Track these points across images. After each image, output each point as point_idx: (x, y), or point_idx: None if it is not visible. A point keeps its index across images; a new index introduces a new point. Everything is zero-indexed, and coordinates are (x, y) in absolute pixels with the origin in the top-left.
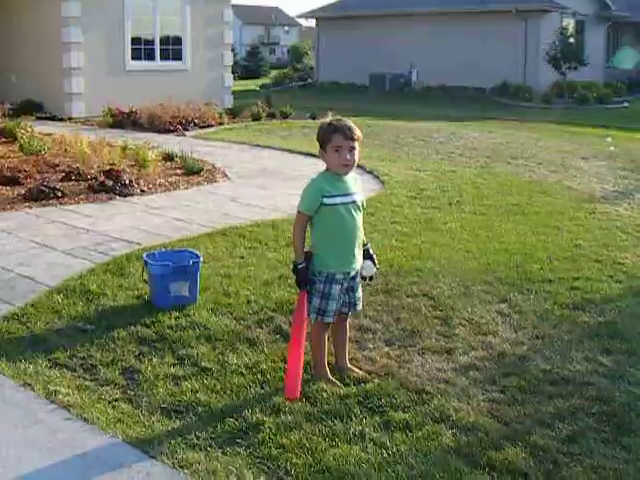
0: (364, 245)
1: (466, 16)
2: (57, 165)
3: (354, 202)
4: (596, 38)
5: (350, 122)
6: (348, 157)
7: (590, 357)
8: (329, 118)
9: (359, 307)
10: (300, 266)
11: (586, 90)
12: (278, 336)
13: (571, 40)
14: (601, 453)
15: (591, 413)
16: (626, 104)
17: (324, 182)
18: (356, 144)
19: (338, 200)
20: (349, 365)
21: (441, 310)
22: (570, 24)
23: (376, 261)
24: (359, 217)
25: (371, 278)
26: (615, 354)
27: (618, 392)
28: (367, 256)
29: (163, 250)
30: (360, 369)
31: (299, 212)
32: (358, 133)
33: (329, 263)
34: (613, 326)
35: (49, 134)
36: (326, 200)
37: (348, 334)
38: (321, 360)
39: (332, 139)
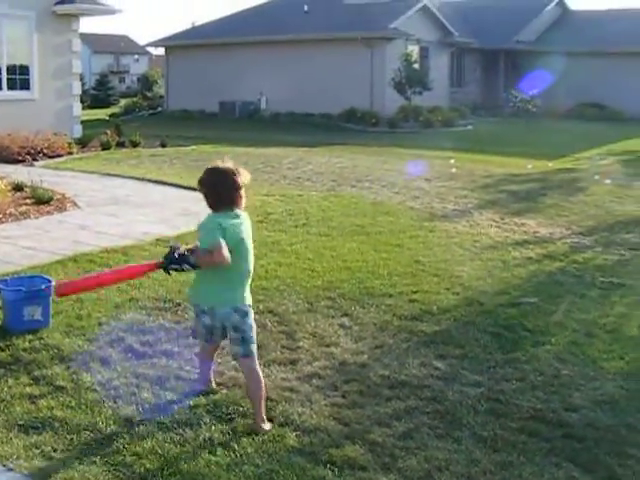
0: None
1: (313, 43)
2: None
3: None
4: (440, 63)
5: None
6: None
7: (426, 362)
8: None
9: None
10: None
11: (431, 114)
12: (130, 354)
13: (415, 66)
14: (434, 446)
15: (426, 412)
16: (470, 127)
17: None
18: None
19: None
20: None
21: (286, 325)
22: (414, 50)
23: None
24: None
25: None
26: (449, 359)
27: (451, 392)
28: None
29: (16, 276)
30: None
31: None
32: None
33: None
34: (448, 333)
35: None
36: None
37: None
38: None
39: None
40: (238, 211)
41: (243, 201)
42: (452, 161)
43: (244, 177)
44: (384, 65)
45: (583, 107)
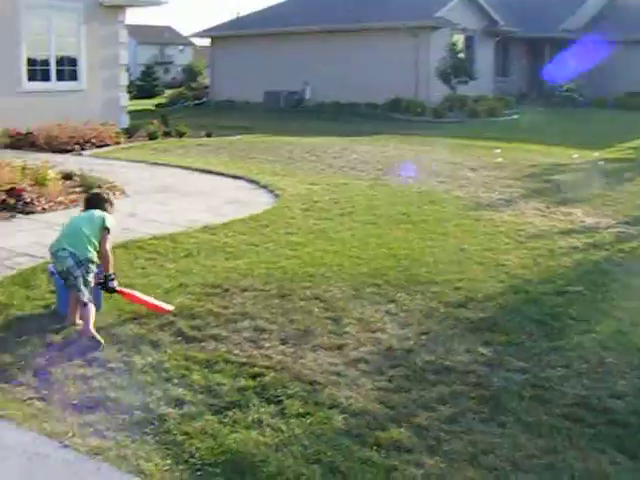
0: None
1: (357, 33)
2: None
3: None
4: (485, 53)
5: None
6: None
7: (471, 349)
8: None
9: None
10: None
11: (476, 104)
12: (179, 338)
13: (461, 55)
14: (479, 430)
15: (471, 397)
16: (515, 116)
17: None
18: None
19: None
20: None
21: (333, 311)
22: (460, 40)
23: None
24: None
25: None
26: (494, 345)
27: (496, 378)
28: None
29: None
30: None
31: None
32: None
33: None
34: (493, 320)
35: None
36: None
37: None
38: None
39: None
40: None
41: None
42: (498, 151)
43: None
44: (429, 54)
45: (630, 96)
